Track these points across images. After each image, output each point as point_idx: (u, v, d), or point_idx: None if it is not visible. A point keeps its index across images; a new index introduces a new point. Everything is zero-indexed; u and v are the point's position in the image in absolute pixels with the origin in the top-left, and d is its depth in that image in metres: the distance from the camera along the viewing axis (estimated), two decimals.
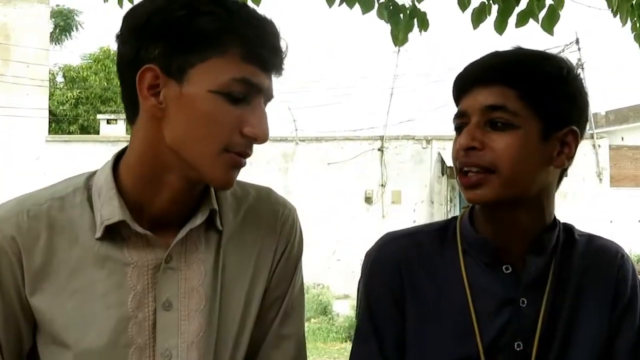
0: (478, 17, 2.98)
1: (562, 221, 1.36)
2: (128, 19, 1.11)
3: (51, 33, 19.41)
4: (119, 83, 1.15)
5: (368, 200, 14.27)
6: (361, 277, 1.40)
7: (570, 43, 14.87)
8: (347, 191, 14.00)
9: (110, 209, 1.12)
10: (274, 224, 1.25)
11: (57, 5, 24.71)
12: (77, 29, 26.16)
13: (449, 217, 1.57)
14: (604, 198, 14.47)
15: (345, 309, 11.13)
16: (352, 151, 14.30)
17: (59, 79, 23.80)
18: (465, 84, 1.28)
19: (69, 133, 19.58)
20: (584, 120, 1.30)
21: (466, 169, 1.24)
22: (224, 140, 1.08)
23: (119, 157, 1.18)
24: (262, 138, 1.10)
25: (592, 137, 14.49)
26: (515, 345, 1.28)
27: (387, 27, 3.15)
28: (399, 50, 11.90)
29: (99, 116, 17.80)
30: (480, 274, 1.30)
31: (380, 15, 3.12)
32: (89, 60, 23.64)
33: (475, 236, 1.32)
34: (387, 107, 14.85)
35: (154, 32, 1.07)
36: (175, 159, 1.10)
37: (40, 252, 1.12)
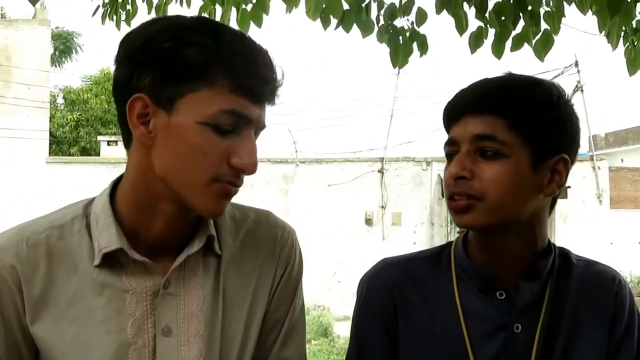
0: (475, 41, 2.99)
1: (558, 245, 1.36)
2: (123, 44, 1.11)
3: (51, 55, 19.46)
4: None
5: (368, 221, 14.23)
6: (356, 303, 1.40)
7: (570, 65, 14.90)
8: (348, 213, 13.97)
9: (107, 237, 1.12)
10: (273, 247, 1.25)
11: (57, 28, 24.84)
12: (76, 51, 26.35)
13: (449, 239, 1.58)
14: (604, 220, 14.42)
15: (346, 330, 10.98)
16: (352, 173, 14.29)
17: (59, 100, 23.84)
18: (456, 112, 1.27)
19: (70, 155, 19.57)
20: (575, 146, 1.29)
21: (456, 197, 1.24)
22: (211, 171, 1.07)
23: (116, 183, 1.18)
24: (250, 169, 1.09)
25: (591, 159, 14.48)
26: None
27: (387, 49, 3.13)
28: (398, 72, 11.92)
29: (99, 137, 17.85)
30: (474, 299, 1.30)
31: (380, 38, 3.12)
32: (89, 82, 23.69)
33: (469, 262, 1.32)
34: (386, 129, 14.86)
35: (145, 61, 1.06)
36: (165, 187, 1.10)
37: (40, 280, 1.12)
